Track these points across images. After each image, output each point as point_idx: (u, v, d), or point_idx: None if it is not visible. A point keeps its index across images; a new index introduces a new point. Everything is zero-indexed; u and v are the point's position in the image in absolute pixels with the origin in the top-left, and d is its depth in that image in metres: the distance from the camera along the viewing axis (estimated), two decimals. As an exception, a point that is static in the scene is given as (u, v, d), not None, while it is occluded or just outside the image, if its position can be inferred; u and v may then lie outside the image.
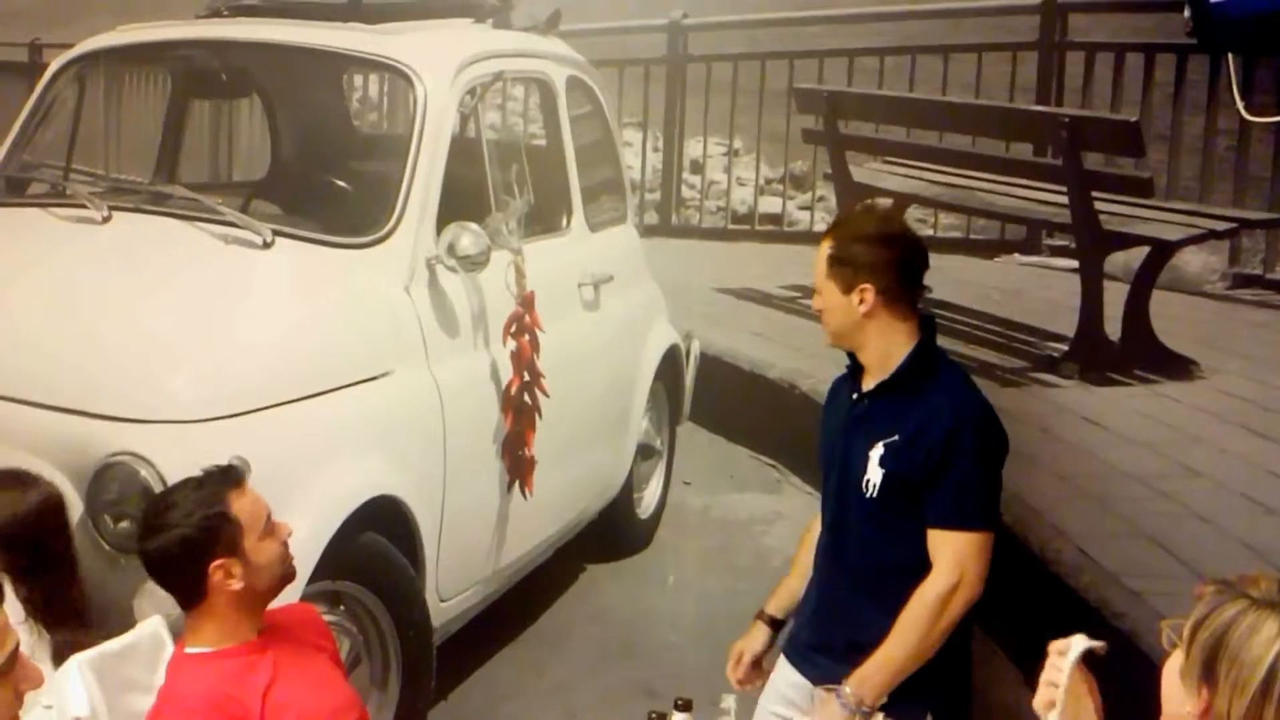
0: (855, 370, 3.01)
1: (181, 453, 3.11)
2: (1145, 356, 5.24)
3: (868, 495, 2.91)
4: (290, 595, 2.93)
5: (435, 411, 3.91)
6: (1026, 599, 4.02)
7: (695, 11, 7.35)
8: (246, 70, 5.03)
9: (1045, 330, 5.67)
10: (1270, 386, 4.94)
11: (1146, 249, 5.32)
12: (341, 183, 4.69)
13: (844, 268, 2.90)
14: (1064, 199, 5.53)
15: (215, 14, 4.79)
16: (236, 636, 2.70)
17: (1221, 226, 5.48)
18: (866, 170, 6.57)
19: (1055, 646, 2.07)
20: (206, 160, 6.66)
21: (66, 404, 3.29)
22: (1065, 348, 5.46)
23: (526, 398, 4.20)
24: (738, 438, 6.13)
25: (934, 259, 3.02)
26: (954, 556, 2.84)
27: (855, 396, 2.99)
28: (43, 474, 3.18)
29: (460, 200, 4.14)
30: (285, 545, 2.78)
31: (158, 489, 3.09)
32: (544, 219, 4.68)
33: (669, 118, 7.53)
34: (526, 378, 4.19)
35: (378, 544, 3.67)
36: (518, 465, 4.23)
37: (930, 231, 6.61)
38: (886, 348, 2.92)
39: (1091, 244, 5.43)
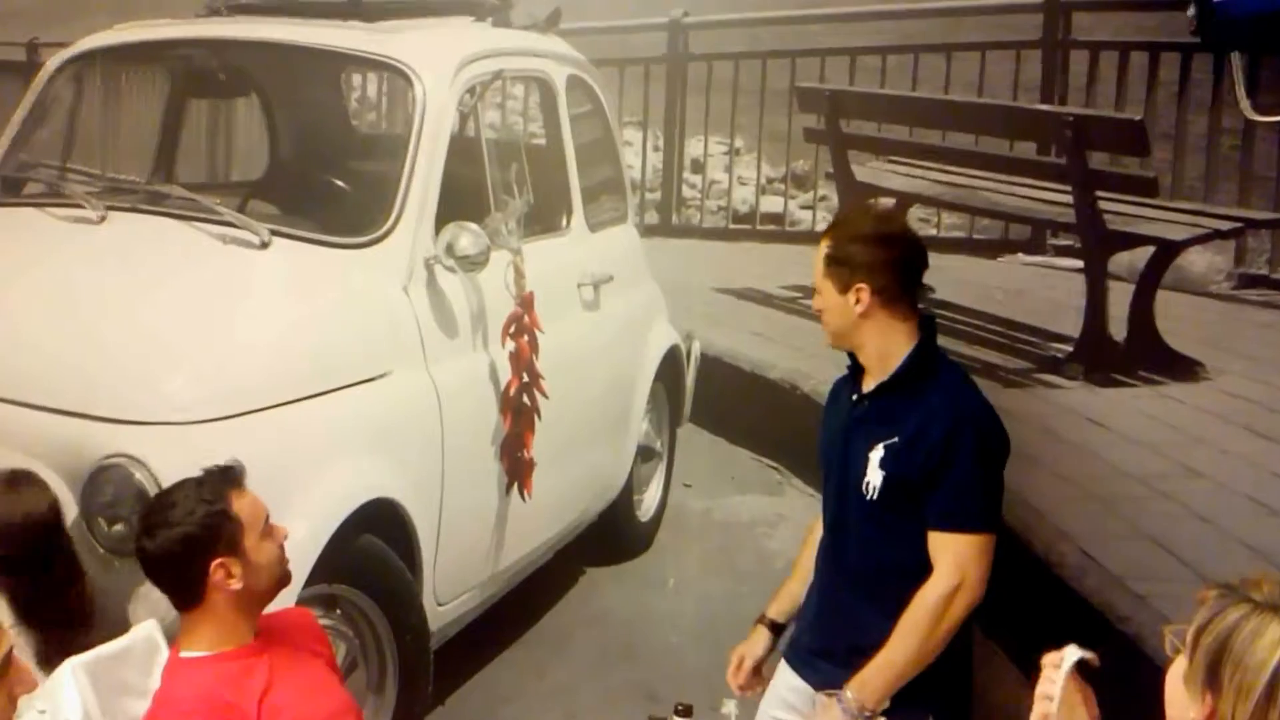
0: (856, 371, 3.00)
1: (177, 454, 3.08)
2: (1150, 357, 5.21)
3: (868, 497, 2.89)
4: (286, 599, 2.92)
5: (433, 413, 3.89)
6: (1029, 602, 4.00)
7: (696, 10, 7.33)
8: (244, 69, 5.02)
9: (1049, 331, 5.64)
10: (1275, 387, 4.91)
11: (1151, 249, 5.29)
12: (340, 182, 4.68)
13: (841, 267, 2.89)
14: (1068, 198, 5.50)
15: (213, 13, 4.79)
16: (233, 640, 2.68)
17: (1226, 226, 5.45)
18: (869, 169, 6.54)
19: (1049, 659, 2.05)
20: (204, 160, 6.63)
21: (61, 405, 3.27)
22: (1069, 348, 5.43)
23: (525, 399, 4.18)
24: (739, 439, 6.10)
25: (937, 259, 3.00)
26: (955, 559, 2.82)
27: (855, 398, 2.97)
28: (37, 476, 3.16)
29: (459, 200, 4.13)
30: (282, 547, 2.76)
31: (153, 492, 3.07)
32: (544, 219, 4.66)
33: (669, 117, 7.50)
34: (525, 379, 4.17)
35: (375, 547, 3.65)
36: (516, 467, 4.21)
37: (933, 231, 6.60)
38: (885, 348, 2.91)
39: (1096, 244, 5.41)
